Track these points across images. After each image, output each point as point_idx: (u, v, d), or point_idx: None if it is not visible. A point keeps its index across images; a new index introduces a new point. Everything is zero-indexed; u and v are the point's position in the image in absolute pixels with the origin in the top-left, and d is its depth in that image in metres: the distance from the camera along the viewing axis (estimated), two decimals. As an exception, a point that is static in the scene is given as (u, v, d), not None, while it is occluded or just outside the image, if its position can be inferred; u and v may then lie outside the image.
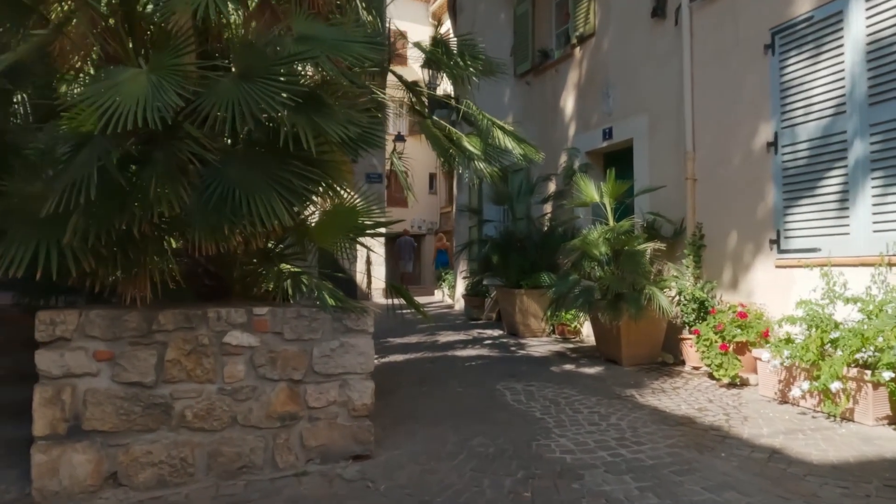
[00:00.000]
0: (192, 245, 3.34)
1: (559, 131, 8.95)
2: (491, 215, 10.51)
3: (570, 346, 7.79)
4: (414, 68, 12.60)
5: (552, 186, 8.96)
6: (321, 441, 3.65)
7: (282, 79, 3.27)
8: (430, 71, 9.74)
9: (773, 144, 5.55)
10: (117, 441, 3.30)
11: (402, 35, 7.90)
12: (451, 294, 14.00)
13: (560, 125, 8.96)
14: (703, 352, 5.56)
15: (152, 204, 2.91)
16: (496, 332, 9.01)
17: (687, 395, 5.19)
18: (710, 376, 5.70)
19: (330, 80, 3.89)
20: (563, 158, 8.70)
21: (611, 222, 6.65)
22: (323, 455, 3.65)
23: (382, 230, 5.39)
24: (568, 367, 6.42)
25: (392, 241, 28.43)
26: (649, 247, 6.30)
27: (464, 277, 11.03)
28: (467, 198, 11.67)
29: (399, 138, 19.34)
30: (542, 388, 5.43)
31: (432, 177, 28.51)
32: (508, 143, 6.33)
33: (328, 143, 3.75)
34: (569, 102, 8.81)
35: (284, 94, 3.19)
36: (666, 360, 6.51)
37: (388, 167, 20.27)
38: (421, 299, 14.36)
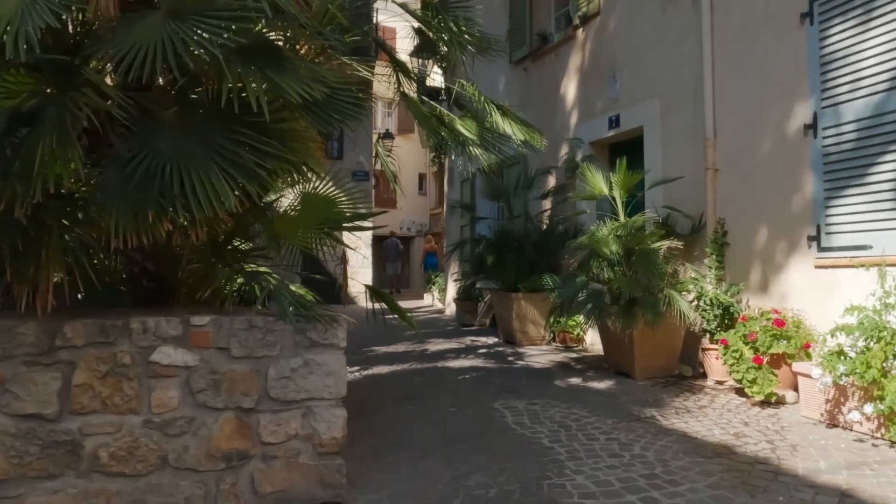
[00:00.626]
0: (108, 234, 2.56)
1: (560, 121, 8.23)
2: (485, 212, 9.77)
3: (574, 355, 7.05)
4: (402, 56, 11.96)
5: (552, 181, 8.24)
6: (279, 485, 2.87)
7: (224, 16, 2.50)
8: (420, 61, 9.04)
9: (811, 127, 4.85)
10: (5, 492, 2.51)
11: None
12: (441, 298, 13.26)
13: (561, 114, 8.24)
14: (732, 365, 4.84)
15: (36, 178, 2.14)
16: (491, 340, 8.26)
17: (716, 415, 4.46)
18: (739, 392, 4.98)
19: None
20: (565, 150, 7.98)
21: (621, 218, 5.93)
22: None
23: (365, 224, 4.64)
24: (574, 380, 5.68)
25: (378, 243, 27.68)
26: (665, 245, 5.58)
27: (455, 280, 10.27)
28: (459, 194, 10.92)
29: (387, 135, 18.57)
30: (547, 408, 4.68)
31: (422, 177, 27.76)
32: (508, 126, 5.60)
33: (288, 107, 2.99)
34: (570, 89, 8.09)
35: (226, 35, 2.42)
36: (683, 372, 5.79)
37: (376, 166, 19.52)
38: (409, 304, 13.59)
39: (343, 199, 4.32)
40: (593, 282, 5.95)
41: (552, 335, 7.75)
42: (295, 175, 3.39)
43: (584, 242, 5.81)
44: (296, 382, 2.91)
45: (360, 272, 15.19)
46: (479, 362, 6.69)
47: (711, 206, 5.77)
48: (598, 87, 7.51)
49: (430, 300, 14.37)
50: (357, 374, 6.14)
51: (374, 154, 18.82)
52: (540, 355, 7.09)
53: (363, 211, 4.49)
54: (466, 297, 9.57)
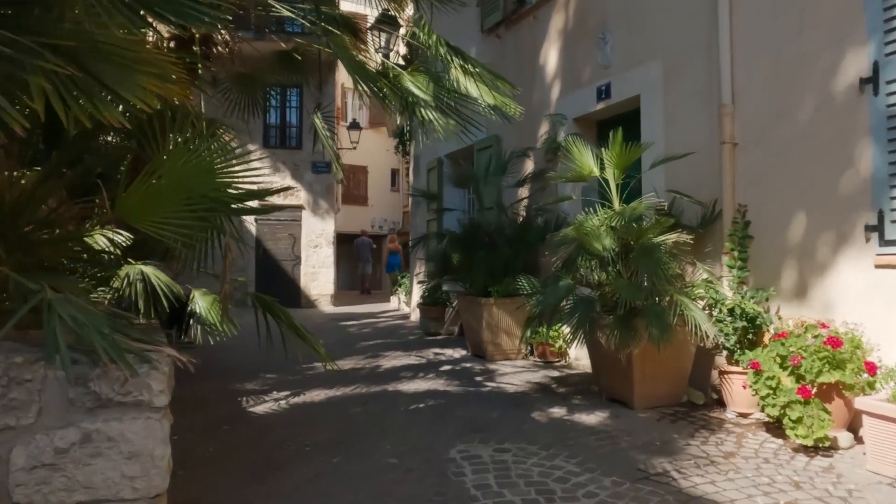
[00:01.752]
0: None
1: (539, 94, 6.99)
2: (454, 203, 8.50)
3: (556, 374, 5.83)
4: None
5: (529, 165, 7.00)
6: None
7: None
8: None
9: (869, 81, 3.67)
10: None
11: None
12: (407, 301, 12.00)
13: (540, 87, 7.01)
14: (766, 396, 3.64)
15: None
16: (457, 353, 7.00)
17: (752, 469, 3.24)
18: (771, 429, 3.80)
19: None
20: (544, 129, 6.76)
21: (616, 205, 4.71)
22: None
23: (256, 206, 3.37)
24: (557, 411, 4.44)
25: (348, 242, 26.34)
26: (671, 239, 4.38)
27: (419, 282, 8.98)
28: (426, 183, 9.63)
29: (354, 125, 17.22)
30: (522, 458, 3.43)
31: (394, 173, 26.42)
32: (473, 86, 4.34)
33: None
34: (551, 57, 6.86)
35: None
36: (694, 399, 4.59)
37: (337, 159, 18.18)
38: (375, 307, 12.27)
39: (231, 170, 3.01)
40: (581, 285, 4.72)
41: (529, 348, 6.52)
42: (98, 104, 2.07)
43: (569, 235, 4.58)
44: (67, 474, 1.62)
45: (321, 272, 13.87)
46: (440, 384, 5.42)
47: (729, 189, 4.57)
48: (584, 53, 6.29)
49: (396, 303, 13.09)
50: (283, 402, 4.83)
51: (338, 146, 17.48)
52: (515, 374, 5.84)
53: (254, 187, 3.16)
54: (432, 302, 8.31)
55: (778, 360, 3.68)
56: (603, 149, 4.71)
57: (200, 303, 4.45)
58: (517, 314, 6.19)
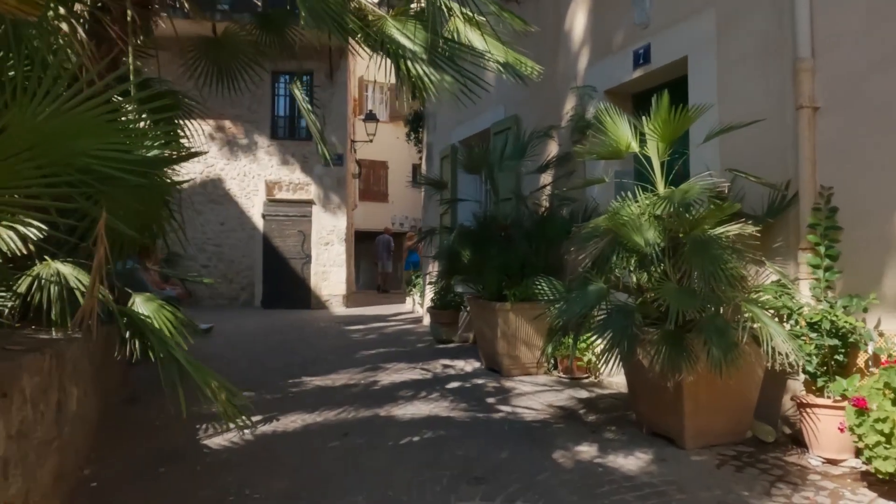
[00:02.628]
0: None
1: (563, 65, 6.02)
2: (469, 194, 7.56)
3: (584, 394, 4.87)
4: None
5: (553, 147, 6.04)
6: None
7: None
8: None
9: None
10: None
11: None
12: (421, 303, 11.11)
13: (565, 56, 6.03)
14: (877, 445, 2.64)
15: None
16: (469, 366, 6.06)
17: (868, 558, 2.26)
18: (879, 485, 2.79)
19: None
20: (570, 105, 5.78)
21: (660, 188, 3.73)
22: None
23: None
24: (585, 450, 3.48)
25: (368, 239, 25.58)
26: (732, 230, 3.40)
27: (430, 283, 8.04)
28: (438, 172, 8.70)
29: (370, 117, 16.39)
30: (537, 530, 2.49)
31: (416, 168, 25.53)
32: (478, 39, 3.40)
33: None
34: (577, 20, 5.87)
35: None
36: (762, 436, 3.60)
37: (352, 152, 17.34)
38: (388, 309, 11.36)
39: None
40: (615, 290, 3.76)
41: (552, 362, 5.56)
42: None
43: (600, 227, 3.62)
44: None
45: (332, 271, 13.05)
46: (443, 407, 4.50)
47: (808, 166, 3.56)
48: (617, 12, 5.30)
49: (410, 305, 12.20)
50: (248, 432, 3.95)
51: (350, 141, 16.67)
52: (534, 394, 4.90)
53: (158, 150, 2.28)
54: (443, 306, 7.39)
55: (891, 395, 2.68)
56: (645, 117, 3.72)
57: (142, 310, 3.59)
58: (538, 321, 5.25)
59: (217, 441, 3.76)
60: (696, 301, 3.14)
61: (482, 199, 7.75)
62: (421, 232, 6.49)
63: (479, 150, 5.83)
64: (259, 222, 12.94)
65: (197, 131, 4.93)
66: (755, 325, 3.18)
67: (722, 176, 3.90)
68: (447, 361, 6.32)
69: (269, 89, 13.11)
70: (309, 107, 4.71)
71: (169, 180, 4.99)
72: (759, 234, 3.52)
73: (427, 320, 9.12)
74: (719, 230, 3.44)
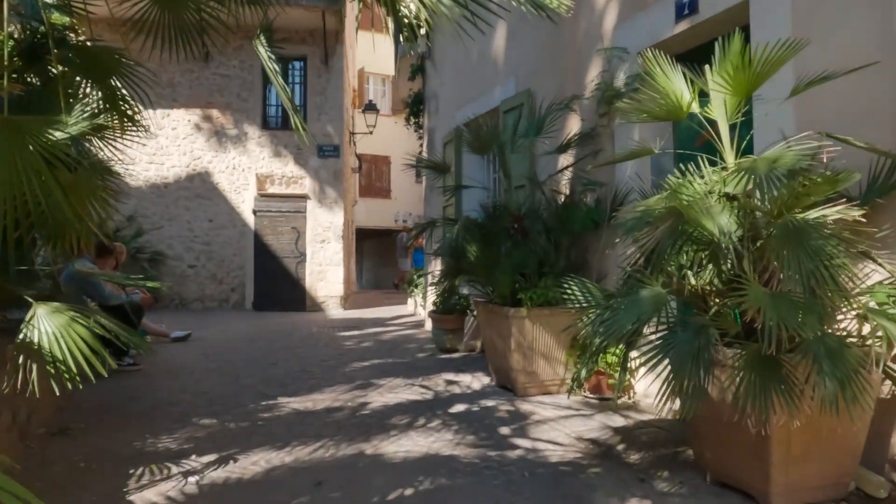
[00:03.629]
0: None
1: (586, 23, 5.09)
2: (480, 178, 6.63)
3: (619, 420, 3.96)
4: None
5: (574, 123, 5.13)
6: None
7: None
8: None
9: None
10: None
11: None
12: (423, 304, 10.24)
13: (587, 13, 5.10)
14: None
15: None
16: (477, 382, 5.16)
17: None
18: None
19: None
20: (595, 71, 4.87)
21: (729, 158, 2.82)
22: None
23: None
24: (635, 513, 2.58)
25: (370, 237, 24.75)
26: (831, 214, 2.49)
27: (431, 283, 7.12)
28: (441, 157, 7.77)
29: (370, 107, 15.52)
30: None
31: (418, 161, 24.63)
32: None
33: None
34: (603, -29, 4.95)
35: None
36: (870, 490, 2.69)
37: (351, 144, 16.43)
38: (389, 310, 10.46)
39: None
40: (672, 294, 2.84)
41: (577, 378, 4.65)
42: None
43: (655, 210, 2.69)
44: None
45: (328, 271, 12.18)
46: (444, 442, 3.60)
47: (933, 128, 2.64)
48: (653, -45, 4.38)
49: (412, 307, 11.30)
50: (193, 480, 3.06)
51: (349, 133, 15.77)
52: (558, 421, 3.99)
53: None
54: (446, 310, 6.49)
55: None
56: (709, 67, 2.80)
57: (45, 325, 2.69)
58: (558, 329, 4.36)
59: (148, 496, 2.87)
60: (806, 312, 2.22)
61: (491, 186, 6.85)
62: (418, 225, 5.56)
63: (487, 128, 4.91)
64: (250, 219, 12.07)
65: (144, 101, 4.02)
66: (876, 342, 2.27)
67: (817, 139, 2.97)
68: (451, 376, 5.41)
69: (259, 75, 12.23)
70: (276, 68, 3.80)
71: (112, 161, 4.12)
72: (862, 219, 2.60)
73: (429, 325, 8.23)
74: (812, 214, 2.53)
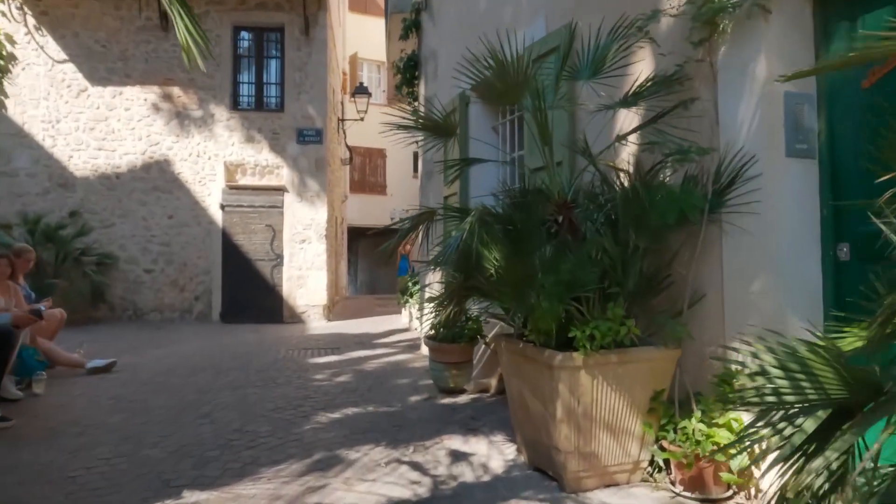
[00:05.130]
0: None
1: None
2: (493, 158, 4.87)
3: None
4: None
5: (646, 62, 3.36)
6: None
7: None
8: None
9: None
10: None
11: None
12: (419, 319, 8.54)
13: None
14: None
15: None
16: (497, 459, 3.40)
17: None
18: None
19: None
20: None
21: None
22: None
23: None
24: None
25: (363, 237, 23.04)
26: None
27: (427, 300, 5.29)
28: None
29: (361, 90, 13.78)
30: None
31: (418, 157, 22.86)
32: None
33: None
34: None
35: None
36: None
37: (340, 132, 14.65)
38: (380, 323, 8.01)
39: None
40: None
41: (658, 462, 2.93)
42: None
43: None
44: None
45: (310, 276, 10.46)
46: None
47: None
48: None
49: (406, 318, 9.54)
50: None
51: (338, 120, 14.00)
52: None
53: None
54: (447, 338, 4.73)
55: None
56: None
57: None
58: (635, 387, 2.65)
59: None
60: None
61: (505, 169, 5.10)
62: (407, 219, 3.76)
63: (513, 67, 3.14)
64: (217, 215, 10.31)
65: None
66: None
67: None
68: (458, 442, 3.66)
69: (229, 47, 10.49)
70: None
71: None
72: None
73: (426, 349, 6.51)
74: None
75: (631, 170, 3.31)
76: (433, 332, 4.89)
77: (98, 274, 9.65)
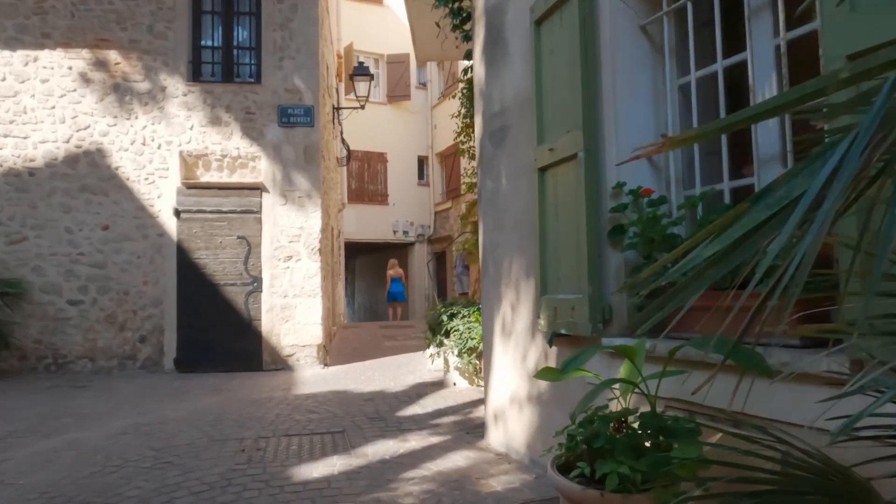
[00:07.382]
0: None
1: None
2: (642, 102, 2.19)
3: None
4: None
5: None
6: None
7: None
8: None
9: None
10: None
11: None
12: (468, 376, 5.78)
13: None
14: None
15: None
16: None
17: None
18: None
19: None
20: None
21: None
22: None
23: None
24: None
25: (364, 253, 20.36)
26: None
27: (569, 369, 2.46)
28: (513, 76, 3.31)
29: (361, 71, 11.12)
30: None
31: (422, 162, 20.14)
32: None
33: None
34: None
35: None
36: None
37: (336, 124, 11.97)
38: (400, 364, 6.01)
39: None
40: None
41: None
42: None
43: None
44: None
45: (299, 305, 7.68)
46: None
47: None
48: None
49: (436, 362, 6.72)
50: None
51: (334, 109, 11.30)
52: None
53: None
54: (586, 475, 2.02)
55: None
56: None
57: None
58: None
59: None
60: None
61: (675, 98, 2.40)
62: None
63: None
64: (170, 224, 7.54)
65: None
66: None
67: None
68: None
69: (186, 1, 7.80)
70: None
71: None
72: None
73: (494, 430, 3.74)
74: None
75: None
76: (562, 455, 2.12)
77: (1, 308, 6.88)
